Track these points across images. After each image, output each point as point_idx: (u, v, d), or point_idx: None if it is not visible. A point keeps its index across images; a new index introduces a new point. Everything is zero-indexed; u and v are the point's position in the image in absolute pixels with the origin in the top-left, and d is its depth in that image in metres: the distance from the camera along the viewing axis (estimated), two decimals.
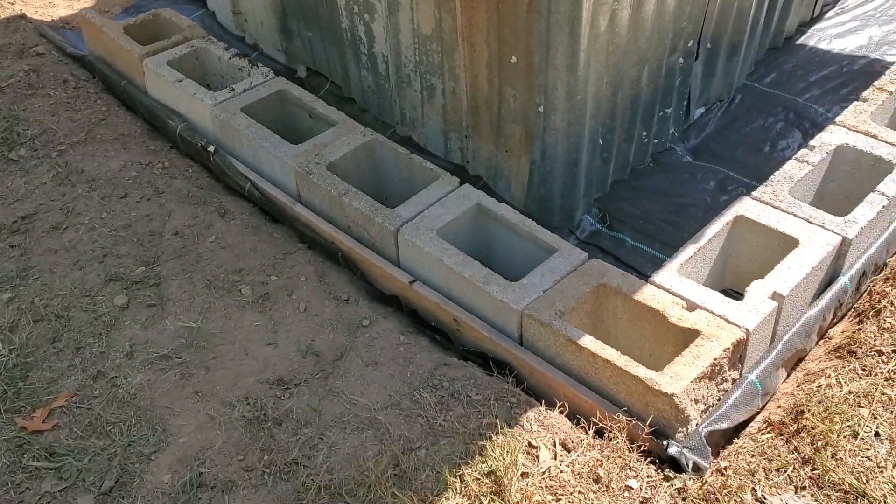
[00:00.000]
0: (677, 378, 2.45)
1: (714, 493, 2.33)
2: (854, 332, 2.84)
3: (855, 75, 3.88)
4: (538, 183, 3.36)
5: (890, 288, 2.93)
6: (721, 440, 2.59)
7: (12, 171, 3.70)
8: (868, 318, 2.87)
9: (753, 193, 3.07)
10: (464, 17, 3.19)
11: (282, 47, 4.35)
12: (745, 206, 3.01)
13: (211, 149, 3.64)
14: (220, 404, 2.72)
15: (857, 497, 2.29)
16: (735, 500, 2.30)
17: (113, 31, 4.14)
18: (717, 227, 2.97)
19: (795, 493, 2.32)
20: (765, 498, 2.30)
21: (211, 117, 3.67)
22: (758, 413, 2.69)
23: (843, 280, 2.91)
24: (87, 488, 2.52)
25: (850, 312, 3.01)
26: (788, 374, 2.82)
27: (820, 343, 2.93)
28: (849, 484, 2.31)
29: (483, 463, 2.46)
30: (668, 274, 2.79)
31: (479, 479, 2.42)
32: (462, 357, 2.88)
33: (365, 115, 4.01)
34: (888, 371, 2.63)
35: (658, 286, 2.75)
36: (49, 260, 3.27)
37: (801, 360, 2.87)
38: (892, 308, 2.84)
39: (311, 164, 3.36)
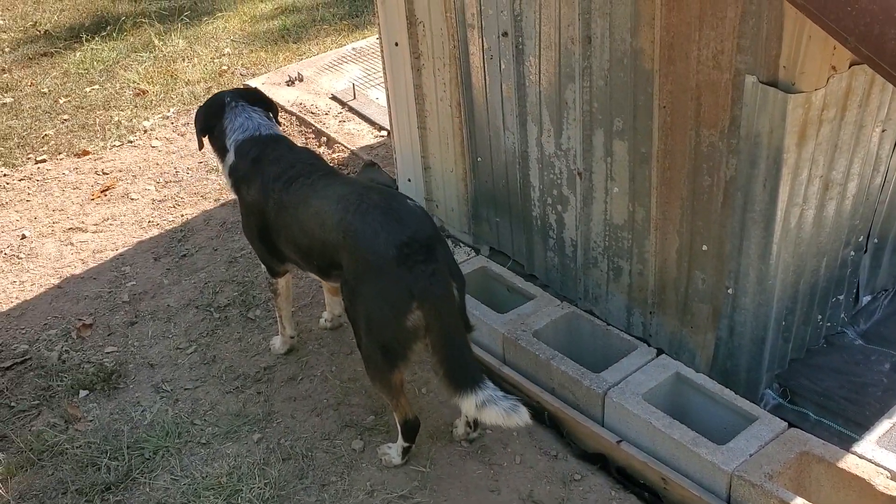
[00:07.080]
0: None
1: None
2: None
3: None
4: (724, 357, 3.69)
5: None
6: None
7: (251, 328, 4.30)
8: None
9: None
10: (658, 210, 3.68)
11: (468, 230, 4.94)
12: None
13: None
14: None
15: None
16: None
17: None
18: None
19: None
20: None
21: None
22: None
23: None
24: None
25: None
26: None
27: None
28: None
29: None
30: (869, 446, 3.03)
31: None
32: None
33: (547, 290, 4.47)
34: None
35: (860, 456, 2.99)
36: (290, 406, 3.76)
37: None
38: None
39: (518, 331, 3.81)
